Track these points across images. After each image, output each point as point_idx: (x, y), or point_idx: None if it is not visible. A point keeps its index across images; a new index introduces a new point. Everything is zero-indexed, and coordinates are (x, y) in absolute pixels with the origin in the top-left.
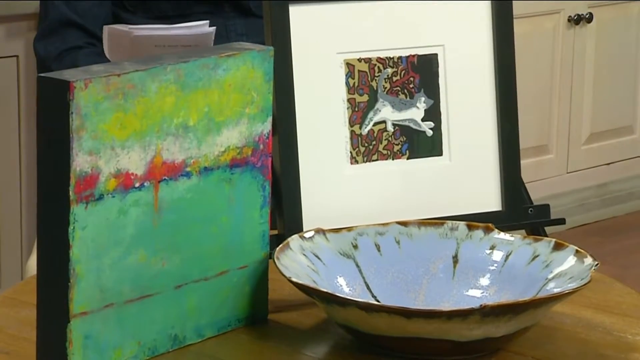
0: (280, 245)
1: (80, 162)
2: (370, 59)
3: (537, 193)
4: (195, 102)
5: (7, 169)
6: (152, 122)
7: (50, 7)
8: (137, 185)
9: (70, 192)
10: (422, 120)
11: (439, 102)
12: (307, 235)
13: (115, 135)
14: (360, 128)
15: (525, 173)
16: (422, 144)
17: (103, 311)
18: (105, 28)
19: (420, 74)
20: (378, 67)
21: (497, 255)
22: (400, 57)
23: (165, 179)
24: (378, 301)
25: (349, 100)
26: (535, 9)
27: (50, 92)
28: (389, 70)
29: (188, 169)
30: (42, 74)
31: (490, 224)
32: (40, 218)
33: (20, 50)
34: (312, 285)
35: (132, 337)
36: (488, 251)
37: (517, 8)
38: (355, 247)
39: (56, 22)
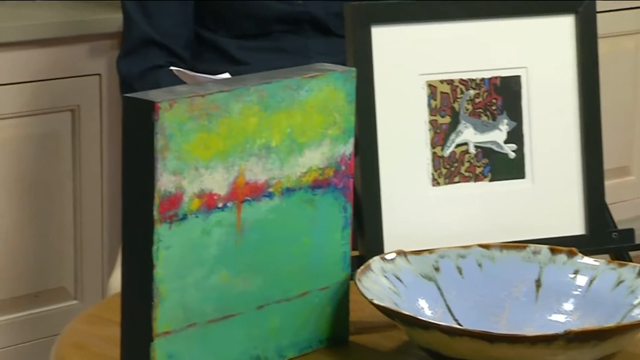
0: (362, 267)
1: (165, 182)
2: (452, 80)
3: (618, 215)
4: (278, 123)
5: (89, 186)
6: (235, 142)
7: (133, 26)
8: (220, 205)
9: (155, 212)
10: (505, 142)
11: (522, 124)
12: (388, 257)
13: (199, 156)
14: (442, 150)
15: (606, 195)
16: (504, 166)
17: (186, 331)
18: (173, 69)
19: (502, 96)
20: (460, 88)
21: (581, 280)
22: (482, 79)
23: (247, 199)
24: (460, 324)
25: (430, 121)
26: (616, 29)
27: (135, 112)
28: (471, 92)
29: (270, 189)
30: (127, 95)
31: (573, 248)
32: (125, 237)
33: (103, 68)
34: (393, 307)
35: (214, 356)
36: (571, 276)
37: (598, 28)
38: (437, 269)
39: (138, 41)
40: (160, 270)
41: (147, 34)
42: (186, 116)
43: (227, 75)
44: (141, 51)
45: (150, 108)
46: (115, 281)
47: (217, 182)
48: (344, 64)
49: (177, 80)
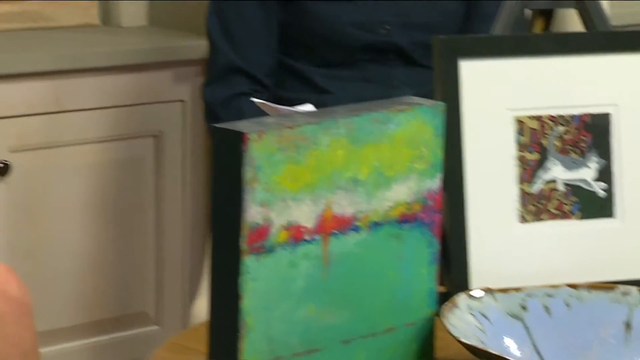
0: (448, 304)
1: (253, 213)
2: (541, 116)
3: None
4: (365, 156)
5: (170, 211)
6: (323, 175)
7: (218, 53)
8: (307, 238)
9: (242, 244)
10: (594, 180)
11: (612, 162)
12: (475, 294)
13: (287, 188)
14: (530, 186)
15: None
16: (593, 204)
17: None
18: (255, 101)
19: (592, 133)
20: (549, 125)
21: None
22: (572, 116)
23: (335, 232)
24: None
25: (519, 157)
26: None
27: (224, 143)
28: (561, 129)
29: (357, 223)
30: (216, 125)
31: None
32: (213, 267)
33: (187, 94)
34: (480, 346)
35: None
36: None
37: None
38: (524, 308)
39: (223, 68)
40: (247, 302)
41: (231, 61)
42: (275, 147)
43: (309, 106)
44: (225, 78)
45: (239, 139)
46: (199, 309)
47: (305, 214)
48: (427, 94)
49: (260, 109)
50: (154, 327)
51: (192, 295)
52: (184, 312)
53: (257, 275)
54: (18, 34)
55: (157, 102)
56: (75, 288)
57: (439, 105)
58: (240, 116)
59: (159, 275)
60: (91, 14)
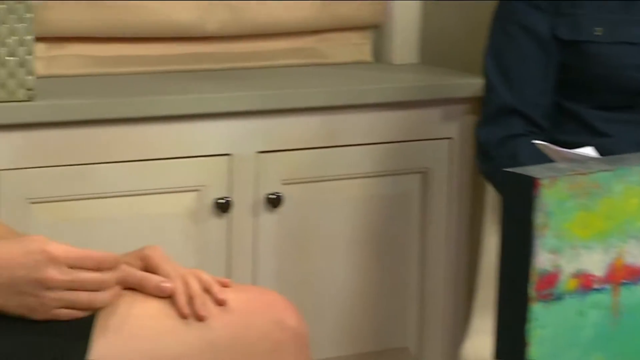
0: None
1: (542, 260)
2: None
3: None
4: None
5: (435, 248)
6: (615, 223)
7: (493, 93)
8: (597, 287)
9: (531, 290)
10: None
11: None
12: None
13: (578, 235)
14: None
15: None
16: None
17: None
18: (537, 143)
19: None
20: None
21: None
22: None
23: (625, 282)
24: None
25: None
26: None
27: (514, 188)
28: None
29: None
30: (507, 169)
31: None
32: (500, 313)
33: (455, 132)
34: None
35: None
36: None
37: None
38: None
39: (498, 108)
40: (534, 350)
41: (507, 101)
42: (567, 194)
43: (590, 149)
44: (501, 119)
45: (530, 184)
46: (471, 351)
47: (595, 262)
48: None
49: (535, 151)
50: None
51: (455, 334)
52: (444, 350)
53: (544, 323)
54: (294, 70)
55: (426, 139)
56: (339, 320)
57: None
58: (514, 158)
59: (421, 312)
60: (364, 51)
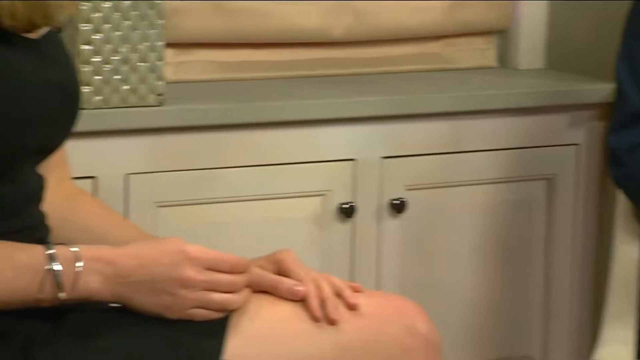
0: None
1: None
2: None
3: None
4: None
5: (560, 255)
6: None
7: (626, 100)
8: None
9: None
10: None
11: None
12: None
13: None
14: None
15: None
16: None
17: None
18: None
19: None
20: None
21: None
22: None
23: None
24: None
25: None
26: None
27: None
28: None
29: None
30: None
31: None
32: None
33: (582, 138)
34: None
35: None
36: None
37: None
38: None
39: (631, 115)
40: None
41: (639, 107)
42: None
43: None
44: (633, 125)
45: None
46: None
47: None
48: None
49: None
50: None
51: (580, 343)
52: (570, 359)
53: None
54: (419, 75)
55: (552, 146)
56: (462, 326)
57: None
58: None
59: (545, 320)
60: (488, 56)
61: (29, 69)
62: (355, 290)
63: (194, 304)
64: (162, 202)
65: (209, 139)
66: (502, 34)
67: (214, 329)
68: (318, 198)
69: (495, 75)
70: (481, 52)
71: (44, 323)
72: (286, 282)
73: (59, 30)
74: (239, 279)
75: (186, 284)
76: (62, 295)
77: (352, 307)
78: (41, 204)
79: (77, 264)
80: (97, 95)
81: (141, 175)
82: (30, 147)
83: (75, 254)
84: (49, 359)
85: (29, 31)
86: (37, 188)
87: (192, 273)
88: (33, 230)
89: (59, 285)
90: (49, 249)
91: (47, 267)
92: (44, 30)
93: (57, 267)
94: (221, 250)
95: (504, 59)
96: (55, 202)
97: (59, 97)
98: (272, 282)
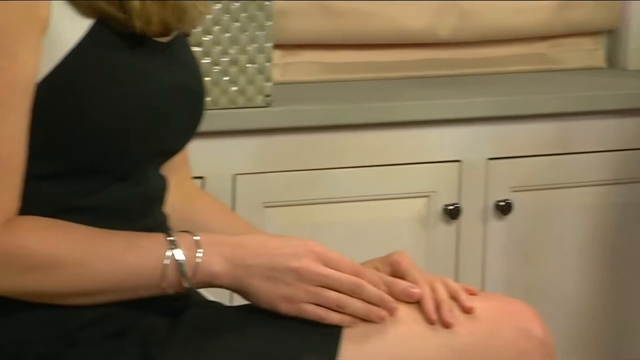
0: None
1: None
2: None
3: None
4: None
5: None
6: None
7: None
8: None
9: None
10: None
11: None
12: None
13: None
14: None
15: None
16: None
17: None
18: None
19: None
20: None
21: None
22: None
23: None
24: None
25: None
26: None
27: None
28: None
29: None
30: None
31: None
32: None
33: None
34: None
35: None
36: None
37: None
38: None
39: None
40: None
41: None
42: None
43: None
44: None
45: None
46: None
47: None
48: None
49: None
50: None
51: None
52: None
53: None
54: (525, 76)
55: None
56: (568, 329)
57: None
58: None
59: None
60: (597, 57)
61: (161, 74)
62: (471, 293)
63: (309, 298)
64: (269, 202)
65: (316, 139)
66: (610, 34)
67: (328, 330)
68: (423, 199)
69: (603, 76)
70: (589, 52)
71: (163, 320)
72: (401, 283)
73: (188, 33)
74: (363, 283)
75: (304, 275)
76: (185, 282)
77: (467, 310)
78: (163, 205)
79: (198, 250)
80: (206, 96)
81: (248, 176)
82: (156, 150)
83: (197, 240)
84: (168, 358)
85: (163, 35)
86: (160, 190)
87: (311, 265)
88: (156, 231)
89: (181, 268)
90: (170, 235)
91: (169, 252)
92: (174, 33)
93: (178, 253)
94: None
95: (613, 60)
96: (175, 203)
97: (188, 101)
98: (386, 284)
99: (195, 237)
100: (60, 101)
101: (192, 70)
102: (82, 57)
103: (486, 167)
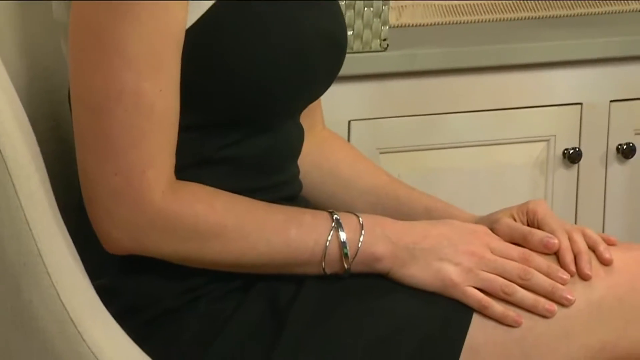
0: None
1: None
2: None
3: None
4: None
5: None
6: None
7: None
8: None
9: None
10: None
11: None
12: None
13: None
14: None
15: None
16: None
17: None
18: None
19: None
20: None
21: None
22: None
23: None
24: None
25: None
26: None
27: None
28: None
29: None
30: None
31: None
32: None
33: None
34: None
35: None
36: None
37: None
38: None
39: None
40: None
41: None
42: None
43: None
44: None
45: None
46: None
47: None
48: None
49: None
50: None
51: None
52: None
53: None
54: None
55: None
56: None
57: None
58: None
59: None
60: None
61: (305, 19)
62: (610, 244)
63: (474, 282)
64: (384, 148)
65: (433, 84)
66: None
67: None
68: (543, 143)
69: None
70: None
71: (288, 282)
72: (538, 233)
73: None
74: (531, 270)
75: (471, 259)
76: (346, 263)
77: (605, 262)
78: (297, 158)
79: (362, 232)
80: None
81: (363, 122)
82: (301, 99)
83: (360, 222)
84: (298, 312)
85: None
86: (298, 142)
87: (480, 250)
88: (287, 185)
89: (344, 248)
90: (334, 214)
91: (332, 231)
92: None
93: (342, 233)
94: (441, 197)
95: None
96: (307, 148)
97: (332, 49)
98: (523, 234)
99: (359, 218)
100: (206, 51)
101: (337, 18)
102: (227, 6)
103: (608, 110)
